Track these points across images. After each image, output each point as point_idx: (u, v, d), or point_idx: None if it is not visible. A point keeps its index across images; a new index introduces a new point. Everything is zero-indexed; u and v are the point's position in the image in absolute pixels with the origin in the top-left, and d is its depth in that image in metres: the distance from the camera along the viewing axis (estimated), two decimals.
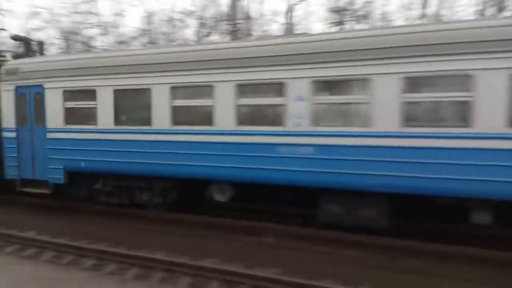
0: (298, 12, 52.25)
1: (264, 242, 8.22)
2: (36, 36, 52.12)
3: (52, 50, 50.95)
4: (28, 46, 13.06)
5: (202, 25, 46.27)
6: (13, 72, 10.86)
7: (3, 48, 13.33)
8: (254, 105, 8.21)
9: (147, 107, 9.05)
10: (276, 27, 37.57)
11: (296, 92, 7.71)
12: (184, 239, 8.59)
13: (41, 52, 13.36)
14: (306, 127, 7.68)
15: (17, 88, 10.80)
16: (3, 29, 13.70)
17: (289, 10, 32.18)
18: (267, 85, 7.99)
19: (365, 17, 28.03)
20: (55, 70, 10.31)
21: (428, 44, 6.79)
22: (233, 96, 8.23)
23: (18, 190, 11.15)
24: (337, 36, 7.78)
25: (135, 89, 9.22)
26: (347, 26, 26.16)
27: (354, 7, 28.62)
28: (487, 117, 6.48)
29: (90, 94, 9.76)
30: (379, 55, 7.12)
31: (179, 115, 8.83)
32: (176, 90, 8.81)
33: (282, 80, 7.80)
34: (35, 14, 51.60)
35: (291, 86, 7.73)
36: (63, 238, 8.65)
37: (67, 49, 50.15)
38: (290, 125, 7.79)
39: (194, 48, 8.90)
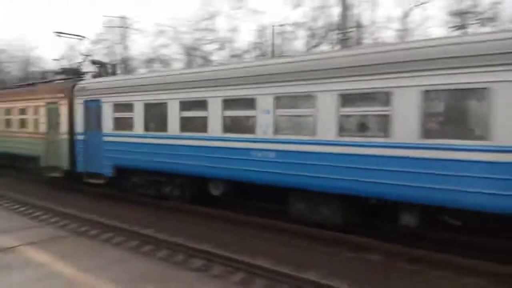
0: (415, 17, 49.40)
1: (370, 260, 7.82)
2: (161, 52, 56.71)
3: (176, 65, 55.25)
4: (103, 69, 16.59)
5: (312, 35, 46.43)
6: (82, 90, 14.25)
7: (83, 69, 17.58)
8: (235, 116, 10.05)
9: (164, 117, 11.37)
10: (390, 34, 36.09)
11: (263, 106, 9.29)
12: (287, 248, 8.59)
13: (114, 73, 16.74)
14: (270, 135, 9.18)
15: (85, 101, 14.02)
16: (87, 55, 18.86)
17: (405, 15, 30.64)
18: (244, 100, 9.64)
19: (491, 19, 25.43)
20: (107, 88, 13.35)
21: (356, 66, 7.89)
22: (220, 109, 10.05)
23: (85, 181, 14.28)
24: (289, 60, 9.32)
25: (157, 103, 11.64)
26: (470, 30, 23.98)
27: (478, 9, 26.14)
28: (403, 129, 7.34)
29: (129, 106, 12.48)
30: (321, 75, 8.37)
31: (186, 124, 10.97)
32: (183, 104, 11.01)
33: (254, 96, 9.44)
34: (161, 32, 56.97)
35: (260, 101, 9.33)
36: (178, 237, 9.31)
37: (189, 64, 54.13)
38: (259, 133, 9.37)
39: (193, 70, 11.52)
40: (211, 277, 7.05)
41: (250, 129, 9.58)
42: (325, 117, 8.32)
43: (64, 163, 14.84)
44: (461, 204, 6.83)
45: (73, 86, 14.61)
